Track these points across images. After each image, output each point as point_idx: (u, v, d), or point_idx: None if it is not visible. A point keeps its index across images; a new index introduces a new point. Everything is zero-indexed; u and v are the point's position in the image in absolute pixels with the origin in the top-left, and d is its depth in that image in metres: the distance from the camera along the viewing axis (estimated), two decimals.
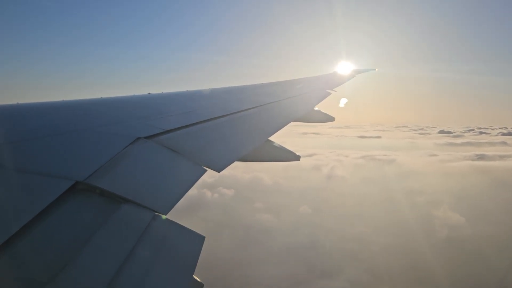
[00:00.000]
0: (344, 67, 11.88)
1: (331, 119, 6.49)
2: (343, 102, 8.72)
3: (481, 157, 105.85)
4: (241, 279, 37.62)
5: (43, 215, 1.60)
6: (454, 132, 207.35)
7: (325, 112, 6.55)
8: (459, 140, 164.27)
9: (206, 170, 2.65)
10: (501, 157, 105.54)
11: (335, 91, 8.39)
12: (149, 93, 5.12)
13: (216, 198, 60.88)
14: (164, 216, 1.95)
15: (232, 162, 3.00)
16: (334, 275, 39.09)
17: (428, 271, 39.70)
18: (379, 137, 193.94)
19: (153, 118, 3.48)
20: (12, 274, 1.32)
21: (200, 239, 1.96)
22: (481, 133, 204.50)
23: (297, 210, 58.16)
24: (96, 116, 3.42)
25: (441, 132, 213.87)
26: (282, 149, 4.13)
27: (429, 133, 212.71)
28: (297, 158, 4.20)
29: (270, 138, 4.06)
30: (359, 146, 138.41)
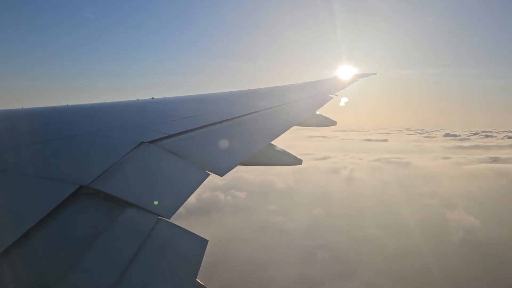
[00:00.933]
0: (345, 71, 11.91)
1: (333, 123, 6.50)
2: (343, 101, 8.72)
3: (495, 160, 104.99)
4: (257, 280, 37.51)
5: (48, 219, 1.62)
6: (460, 136, 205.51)
7: (327, 116, 6.56)
8: (466, 143, 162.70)
9: (209, 174, 2.66)
10: None
11: (337, 95, 8.40)
12: (152, 98, 5.15)
13: (230, 201, 60.84)
14: (167, 220, 1.97)
15: (235, 166, 3.01)
16: (349, 276, 38.75)
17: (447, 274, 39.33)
18: (385, 140, 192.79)
19: (157, 122, 3.50)
20: (18, 276, 1.34)
21: (203, 242, 1.97)
22: (486, 136, 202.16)
23: (319, 212, 57.91)
24: (100, 120, 3.44)
25: (447, 135, 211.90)
26: (284, 153, 4.14)
27: (434, 136, 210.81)
28: (299, 162, 4.21)
29: (272, 142, 4.07)
30: (370, 149, 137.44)
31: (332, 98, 8.06)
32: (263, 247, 44.30)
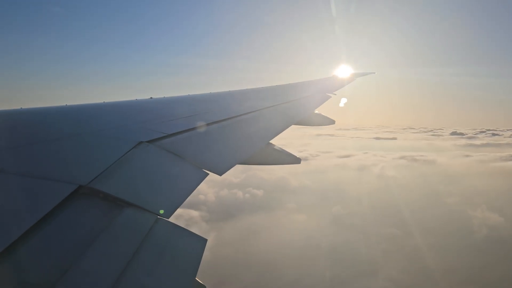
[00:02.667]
0: (343, 70, 11.91)
1: (332, 122, 6.51)
2: (343, 101, 8.74)
3: None
4: (280, 279, 37.51)
5: (47, 219, 1.62)
6: (466, 134, 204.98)
7: (325, 115, 6.57)
8: (477, 142, 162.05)
9: (208, 174, 2.66)
10: None
11: (335, 94, 8.41)
12: (151, 98, 5.15)
13: (248, 199, 60.72)
14: (161, 211, 1.97)
15: (234, 165, 3.01)
16: (374, 274, 38.80)
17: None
18: (394, 138, 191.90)
19: (155, 122, 3.50)
20: (17, 277, 1.34)
21: (203, 242, 1.97)
22: (493, 134, 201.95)
23: (369, 209, 57.98)
24: (99, 120, 3.44)
25: (454, 133, 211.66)
26: (283, 152, 4.14)
27: (441, 135, 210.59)
28: (297, 161, 4.22)
29: (271, 141, 4.07)
30: (385, 147, 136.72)
31: (331, 97, 8.07)
32: (291, 245, 44.27)
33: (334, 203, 60.14)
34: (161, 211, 1.98)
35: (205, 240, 1.98)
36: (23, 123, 3.02)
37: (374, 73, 12.60)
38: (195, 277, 1.76)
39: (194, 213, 52.46)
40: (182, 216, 50.86)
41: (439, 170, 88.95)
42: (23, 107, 3.63)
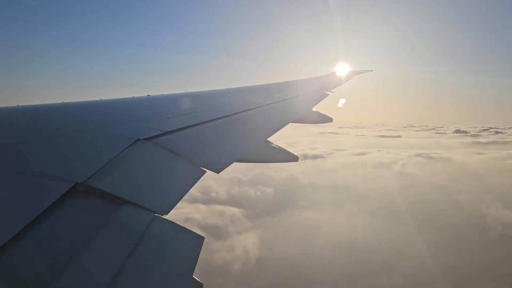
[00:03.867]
0: (341, 68, 11.91)
1: (329, 120, 6.51)
2: (341, 102, 8.76)
3: None
4: (297, 277, 37.63)
5: (43, 217, 1.61)
6: (469, 132, 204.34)
7: (323, 113, 6.57)
8: (483, 139, 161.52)
9: (205, 172, 2.66)
10: None
11: (333, 92, 8.42)
12: (148, 95, 5.14)
13: (260, 197, 60.88)
14: (165, 216, 1.96)
15: (231, 163, 3.01)
16: (390, 272, 38.82)
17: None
18: (399, 136, 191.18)
19: (153, 119, 3.49)
20: (13, 275, 1.33)
21: (200, 239, 1.97)
22: (496, 132, 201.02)
23: (405, 207, 57.79)
24: (96, 118, 3.43)
25: (457, 131, 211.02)
26: (280, 150, 4.15)
27: (444, 133, 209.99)
28: (295, 158, 4.22)
29: (268, 139, 4.08)
30: (394, 145, 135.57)
31: (328, 95, 8.07)
32: (300, 243, 44.36)
33: (367, 200, 60.51)
34: (164, 216, 1.97)
35: (202, 238, 1.98)
36: (19, 120, 3.01)
37: (372, 71, 12.60)
38: (192, 274, 1.77)
39: (235, 210, 53.07)
40: (224, 213, 51.74)
41: (458, 168, 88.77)
42: (18, 105, 3.61)
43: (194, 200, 54.35)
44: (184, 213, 48.90)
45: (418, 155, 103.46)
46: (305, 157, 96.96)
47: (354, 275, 37.27)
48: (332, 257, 40.27)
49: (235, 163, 3.10)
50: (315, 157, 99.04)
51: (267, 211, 54.25)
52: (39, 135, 2.56)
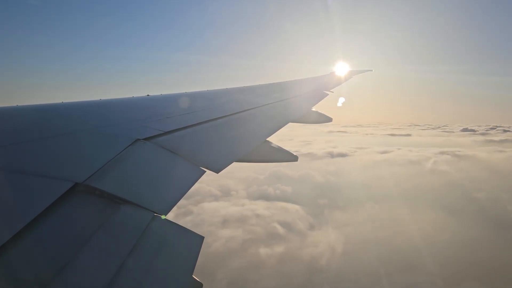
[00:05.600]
0: (340, 68, 11.91)
1: (329, 119, 6.51)
2: (341, 101, 8.76)
3: None
4: (320, 274, 37.25)
5: (43, 217, 1.61)
6: (477, 130, 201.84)
7: (322, 112, 6.57)
8: (495, 138, 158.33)
9: (204, 171, 2.66)
10: None
11: (332, 92, 8.42)
12: (147, 95, 5.14)
13: (279, 195, 60.27)
14: (163, 217, 1.97)
15: (231, 163, 3.01)
16: (414, 270, 37.94)
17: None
18: (409, 135, 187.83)
19: (152, 119, 3.50)
20: (12, 275, 1.33)
21: (199, 239, 1.97)
22: (504, 131, 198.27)
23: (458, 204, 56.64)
24: (95, 118, 3.43)
25: (465, 130, 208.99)
26: (280, 150, 4.15)
27: (452, 131, 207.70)
28: (294, 158, 4.22)
29: (268, 139, 4.08)
30: (410, 143, 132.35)
31: (328, 94, 8.08)
32: (324, 241, 44.06)
33: (425, 198, 59.77)
34: (163, 217, 1.97)
35: (202, 238, 1.98)
36: (19, 120, 3.01)
37: (371, 70, 12.61)
38: (192, 274, 1.77)
39: (293, 207, 53.00)
40: (288, 210, 51.42)
41: (488, 166, 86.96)
42: (18, 104, 3.61)
43: (257, 197, 55.50)
44: (252, 209, 50.10)
45: (443, 153, 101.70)
46: (331, 155, 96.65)
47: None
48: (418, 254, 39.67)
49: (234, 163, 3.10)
50: (341, 155, 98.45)
51: (331, 207, 54.50)
52: (39, 135, 2.56)
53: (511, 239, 44.39)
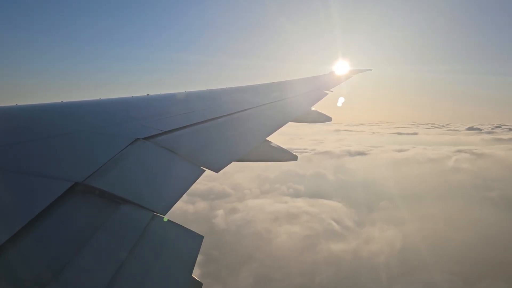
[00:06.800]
0: (340, 67, 11.90)
1: (329, 119, 6.52)
2: (340, 101, 8.76)
3: None
4: (338, 272, 37.34)
5: (43, 216, 1.61)
6: (482, 129, 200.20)
7: (322, 112, 6.58)
8: (503, 136, 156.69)
9: (204, 171, 2.66)
10: None
11: (332, 92, 8.42)
12: (147, 95, 5.13)
13: (292, 194, 60.44)
14: (165, 219, 1.96)
15: (230, 162, 3.01)
16: (431, 267, 37.94)
17: None
18: (415, 133, 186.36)
19: (152, 119, 3.50)
20: (12, 275, 1.33)
21: (199, 238, 1.97)
22: (510, 129, 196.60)
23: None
24: (95, 117, 3.43)
25: (470, 128, 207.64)
26: (279, 149, 4.15)
27: (458, 130, 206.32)
28: (294, 158, 4.22)
29: (271, 138, 4.08)
30: (420, 141, 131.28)
31: (328, 94, 8.07)
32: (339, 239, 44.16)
33: (464, 194, 59.53)
34: (165, 219, 1.97)
35: (202, 237, 1.98)
36: (18, 120, 3.01)
37: (371, 70, 12.60)
38: (191, 274, 1.77)
39: (335, 204, 53.44)
40: (334, 208, 51.62)
41: (510, 163, 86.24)
42: (17, 104, 3.61)
43: (297, 194, 55.78)
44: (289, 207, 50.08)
45: (460, 151, 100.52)
46: (349, 153, 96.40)
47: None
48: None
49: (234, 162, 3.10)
50: (359, 153, 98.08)
51: (373, 204, 54.75)
52: (38, 135, 2.56)
53: None
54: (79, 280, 1.40)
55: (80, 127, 2.94)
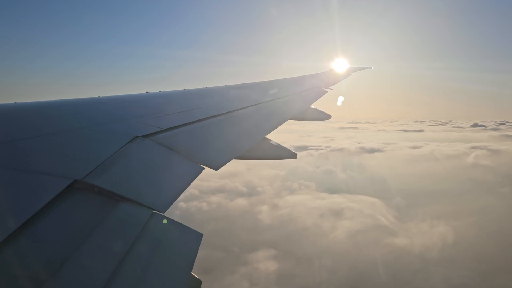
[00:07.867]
0: (340, 65, 11.90)
1: (328, 117, 6.52)
2: (340, 100, 8.77)
3: None
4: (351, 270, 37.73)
5: (42, 214, 1.61)
6: (487, 126, 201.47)
7: (321, 110, 6.58)
8: (509, 133, 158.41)
9: (203, 169, 2.66)
10: None
11: (332, 89, 8.42)
12: (146, 92, 5.12)
13: (304, 191, 60.85)
14: (165, 221, 1.96)
15: (230, 160, 3.01)
16: (449, 264, 38.53)
17: None
18: (421, 130, 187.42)
19: (151, 117, 3.49)
20: (11, 272, 1.33)
21: (198, 236, 1.97)
22: None
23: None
24: (94, 115, 3.42)
25: (475, 125, 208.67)
26: (279, 147, 4.15)
27: (462, 127, 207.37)
28: (293, 155, 4.22)
29: (267, 136, 4.08)
30: (429, 138, 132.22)
31: (327, 92, 8.07)
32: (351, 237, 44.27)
33: (488, 190, 59.96)
34: (164, 221, 1.96)
35: (201, 235, 1.98)
36: (18, 117, 3.00)
37: (371, 67, 12.61)
38: (191, 271, 1.77)
39: (373, 200, 53.62)
40: (373, 204, 52.24)
41: None
42: (16, 102, 3.59)
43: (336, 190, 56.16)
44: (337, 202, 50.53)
45: (475, 147, 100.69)
46: (366, 150, 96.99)
47: None
48: None
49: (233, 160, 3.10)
50: (375, 150, 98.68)
51: (409, 200, 54.94)
52: (37, 132, 2.56)
53: None
54: (79, 277, 1.40)
55: (79, 124, 2.93)
